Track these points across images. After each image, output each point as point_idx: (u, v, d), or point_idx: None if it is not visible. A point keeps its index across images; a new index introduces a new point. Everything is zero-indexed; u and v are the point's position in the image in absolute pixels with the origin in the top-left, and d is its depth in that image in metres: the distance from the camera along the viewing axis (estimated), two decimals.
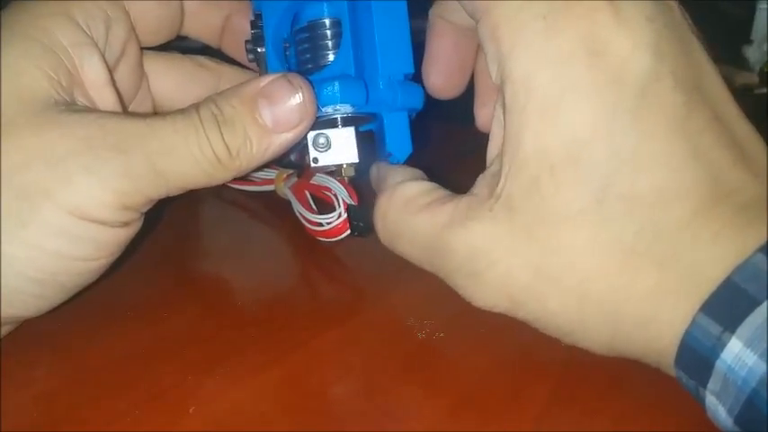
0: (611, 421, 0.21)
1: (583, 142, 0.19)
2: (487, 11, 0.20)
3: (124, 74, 0.26)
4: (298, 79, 0.23)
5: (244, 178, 0.36)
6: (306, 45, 0.26)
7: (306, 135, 0.24)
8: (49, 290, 0.21)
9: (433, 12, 0.26)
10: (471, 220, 0.21)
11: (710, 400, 0.18)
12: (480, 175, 0.22)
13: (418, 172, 0.25)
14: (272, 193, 0.35)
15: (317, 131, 0.25)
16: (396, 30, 0.25)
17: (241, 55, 0.28)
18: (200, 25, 0.28)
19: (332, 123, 0.25)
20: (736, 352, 0.17)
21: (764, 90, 0.52)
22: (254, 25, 0.27)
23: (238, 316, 0.26)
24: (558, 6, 0.19)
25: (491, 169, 0.22)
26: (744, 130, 0.20)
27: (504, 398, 0.22)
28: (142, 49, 0.27)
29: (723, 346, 0.17)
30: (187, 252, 0.33)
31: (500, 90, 0.20)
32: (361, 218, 0.29)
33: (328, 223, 0.29)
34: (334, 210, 0.29)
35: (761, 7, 0.52)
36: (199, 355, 0.23)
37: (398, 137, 0.26)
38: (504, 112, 0.20)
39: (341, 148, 0.25)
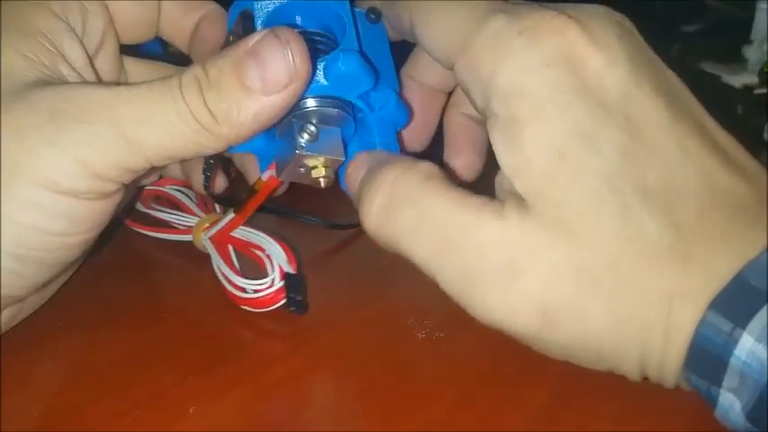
0: (611, 421, 0.21)
1: (588, 132, 0.18)
2: (465, 46, 0.20)
3: (103, 64, 0.26)
4: (286, 32, 0.21)
5: (159, 224, 0.31)
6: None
7: (291, 121, 0.23)
8: (29, 266, 0.21)
9: (404, 71, 0.27)
10: (492, 219, 0.19)
11: (726, 398, 0.18)
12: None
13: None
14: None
15: (306, 120, 0.23)
16: (380, 49, 0.25)
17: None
18: (173, 29, 0.28)
19: (324, 119, 0.24)
20: (748, 347, 0.17)
21: (764, 90, 0.52)
22: (246, 17, 0.26)
23: (238, 315, 0.26)
24: (531, 23, 0.19)
25: (503, 178, 0.21)
26: (725, 138, 0.20)
27: (504, 398, 0.22)
28: (122, 46, 0.27)
29: (735, 342, 0.17)
30: (186, 252, 0.33)
31: (485, 114, 0.20)
32: (299, 290, 0.25)
33: (255, 291, 0.25)
34: (262, 274, 0.25)
35: (761, 7, 0.52)
36: (199, 355, 0.23)
37: (387, 147, 0.25)
38: (497, 129, 0.20)
39: (329, 142, 0.23)
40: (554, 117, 0.19)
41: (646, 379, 0.19)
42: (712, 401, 0.18)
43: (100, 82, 0.25)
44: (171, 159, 0.21)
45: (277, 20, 0.25)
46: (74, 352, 0.23)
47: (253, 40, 0.21)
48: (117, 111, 0.20)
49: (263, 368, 0.23)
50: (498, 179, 0.20)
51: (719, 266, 0.18)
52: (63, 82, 0.22)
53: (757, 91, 0.52)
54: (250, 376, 0.22)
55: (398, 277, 0.29)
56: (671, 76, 0.20)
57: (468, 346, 0.24)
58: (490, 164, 0.23)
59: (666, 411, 0.21)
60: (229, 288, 0.26)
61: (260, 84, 0.20)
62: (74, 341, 0.24)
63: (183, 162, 0.29)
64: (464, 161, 0.27)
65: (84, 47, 0.24)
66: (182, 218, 0.30)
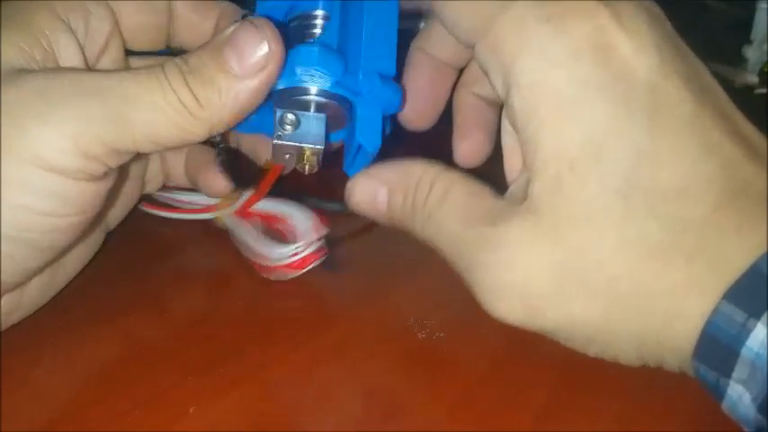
0: (611, 421, 0.21)
1: (602, 138, 0.19)
2: (488, 27, 0.20)
3: (106, 66, 0.26)
4: (259, 20, 0.22)
5: (172, 205, 0.31)
6: (295, 33, 0.26)
7: (272, 111, 0.24)
8: (21, 248, 0.21)
9: (415, 43, 0.26)
10: (501, 219, 0.20)
11: (734, 390, 0.18)
12: (516, 179, 0.22)
13: None
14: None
15: (287, 110, 0.24)
16: (384, 31, 0.25)
17: None
18: (192, 34, 0.28)
19: (305, 106, 0.24)
20: (761, 338, 0.17)
21: (764, 90, 0.52)
22: (246, 17, 0.26)
23: (238, 316, 0.26)
24: (560, 10, 0.19)
25: (525, 174, 0.21)
26: (748, 127, 0.20)
27: (504, 398, 0.22)
28: (131, 52, 0.27)
29: (748, 332, 0.17)
30: (186, 252, 0.33)
31: (506, 101, 0.20)
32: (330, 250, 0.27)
33: (293, 255, 0.26)
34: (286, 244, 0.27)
35: (761, 7, 0.52)
36: (199, 355, 0.23)
37: (369, 128, 0.25)
38: (515, 121, 0.20)
39: (309, 130, 0.24)
40: (571, 121, 0.19)
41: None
42: (719, 394, 0.19)
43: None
44: (156, 145, 0.22)
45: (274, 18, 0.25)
46: (74, 352, 0.23)
47: (230, 30, 0.22)
48: (105, 91, 0.20)
49: (263, 368, 0.23)
50: (510, 164, 0.22)
51: (733, 260, 0.18)
52: (50, 68, 0.22)
53: (757, 91, 0.52)
54: (250, 376, 0.22)
55: (398, 277, 0.29)
56: (697, 62, 0.20)
57: (468, 346, 0.24)
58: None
59: (667, 411, 0.21)
60: (257, 260, 0.27)
61: (238, 67, 0.21)
62: (74, 341, 0.24)
63: (188, 166, 0.29)
64: (473, 145, 0.27)
65: (81, 49, 0.24)
66: (202, 198, 0.30)
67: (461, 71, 0.27)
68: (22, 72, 0.21)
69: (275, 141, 0.24)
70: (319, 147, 0.24)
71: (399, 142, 0.27)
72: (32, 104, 0.20)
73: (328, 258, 0.27)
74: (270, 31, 0.21)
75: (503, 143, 0.23)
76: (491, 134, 0.27)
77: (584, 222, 0.19)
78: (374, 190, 0.24)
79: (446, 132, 0.27)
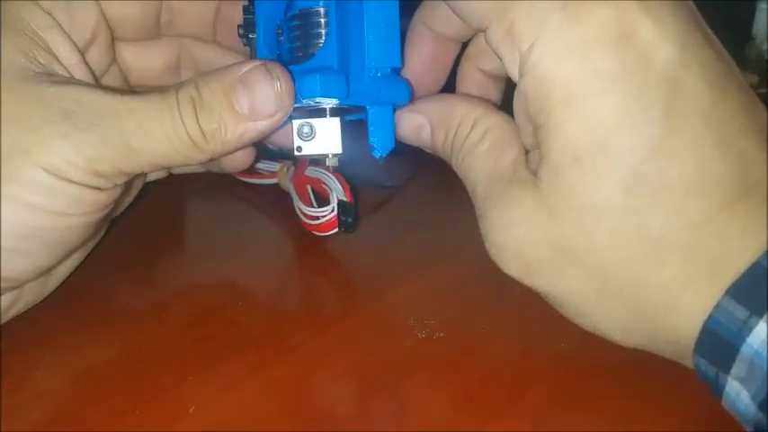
0: (611, 421, 0.21)
1: (610, 131, 0.19)
2: (501, 13, 0.20)
3: (95, 56, 0.27)
4: (277, 69, 0.23)
5: (250, 171, 0.36)
6: (297, 32, 0.26)
7: (290, 123, 0.24)
8: (32, 245, 0.22)
9: (418, 17, 0.26)
10: (512, 185, 0.21)
11: (732, 386, 0.18)
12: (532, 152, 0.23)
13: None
14: (278, 186, 0.36)
15: (303, 120, 0.25)
16: (386, 23, 0.25)
17: (236, 45, 0.28)
18: (191, 22, 0.29)
19: (319, 113, 0.25)
20: (763, 337, 0.17)
21: (765, 90, 0.52)
22: (246, 11, 0.27)
23: (238, 315, 0.26)
24: None
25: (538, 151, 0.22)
26: (766, 121, 0.20)
27: (504, 398, 0.22)
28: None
29: (749, 330, 0.17)
30: (188, 251, 0.33)
31: (518, 86, 0.20)
32: (351, 214, 0.29)
33: (322, 217, 0.30)
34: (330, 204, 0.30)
35: (761, 7, 0.52)
36: (199, 355, 0.23)
37: (381, 130, 0.26)
38: (528, 107, 0.20)
39: (325, 138, 0.25)
40: (579, 113, 0.19)
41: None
42: (719, 390, 0.19)
43: (97, 83, 0.26)
44: (158, 167, 0.23)
45: (275, 9, 0.26)
46: (74, 352, 0.23)
47: (244, 68, 0.23)
48: (124, 121, 0.22)
49: (263, 368, 0.23)
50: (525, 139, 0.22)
51: (734, 259, 0.18)
52: (66, 80, 0.23)
53: (758, 91, 0.52)
54: (250, 376, 0.22)
55: (398, 277, 0.29)
56: (720, 50, 0.20)
57: (469, 346, 0.24)
58: None
59: (667, 411, 0.21)
60: (303, 218, 0.31)
61: (248, 110, 0.23)
62: (74, 341, 0.24)
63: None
64: (420, 88, 0.27)
65: (75, 45, 0.24)
66: (268, 164, 0.37)
67: (465, 43, 0.27)
68: (38, 83, 0.22)
69: (296, 154, 0.25)
70: (338, 153, 0.25)
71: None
72: (58, 123, 0.21)
73: (346, 222, 0.29)
74: (285, 81, 0.23)
75: (516, 119, 0.23)
76: (438, 76, 0.27)
77: (584, 212, 0.19)
78: (419, 124, 0.25)
79: None
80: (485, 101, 0.25)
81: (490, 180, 0.22)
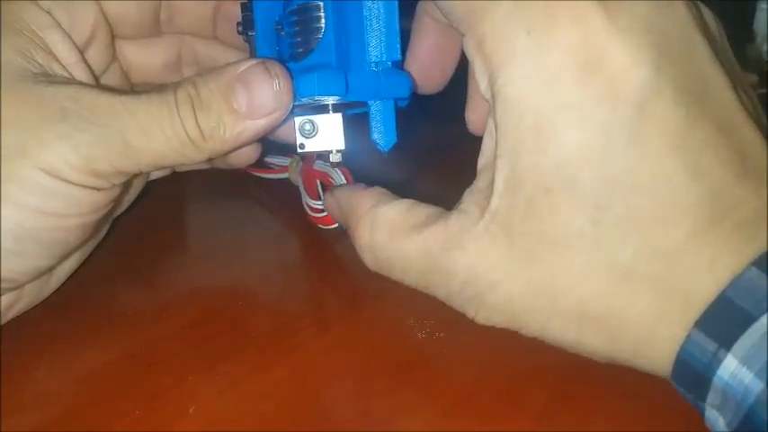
0: (610, 421, 0.21)
1: (577, 164, 0.18)
2: (473, 25, 0.19)
3: (95, 54, 0.27)
4: (276, 67, 0.23)
5: (261, 165, 0.37)
6: (296, 28, 0.26)
7: (292, 119, 0.24)
8: (29, 246, 0.22)
9: (421, 8, 0.26)
10: (468, 242, 0.21)
11: (711, 413, 0.18)
12: (467, 190, 0.22)
13: (381, 190, 0.24)
14: (285, 182, 0.36)
15: (305, 117, 0.25)
16: (385, 15, 0.25)
17: (237, 41, 0.28)
18: (191, 19, 0.29)
19: (321, 108, 0.25)
20: (732, 370, 0.17)
21: (765, 90, 0.52)
22: (244, 8, 0.27)
23: (238, 315, 0.26)
24: (543, 19, 0.18)
25: (478, 184, 0.21)
26: (750, 136, 0.19)
27: (504, 398, 0.22)
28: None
29: (719, 362, 0.17)
30: (189, 251, 0.33)
31: (491, 105, 0.20)
32: None
33: (325, 210, 0.30)
34: None
35: (761, 7, 0.52)
36: (199, 355, 0.23)
37: (383, 125, 0.26)
38: (495, 128, 0.20)
39: (327, 134, 0.25)
40: (549, 145, 0.18)
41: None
42: (700, 411, 0.19)
43: (97, 82, 0.26)
44: (157, 167, 0.23)
45: (274, 5, 0.26)
46: (74, 352, 0.23)
47: (243, 66, 0.23)
48: (122, 120, 0.21)
49: (263, 368, 0.23)
50: (484, 161, 0.22)
51: (704, 290, 0.18)
52: (64, 80, 0.23)
53: (758, 91, 0.52)
54: (250, 376, 0.22)
55: None
56: (703, 62, 0.19)
57: (469, 346, 0.24)
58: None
59: (667, 411, 0.21)
60: (308, 211, 0.31)
61: (246, 109, 0.23)
62: (74, 341, 0.24)
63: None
64: (484, 115, 0.26)
65: (75, 45, 0.24)
66: (280, 159, 0.37)
67: None
68: (36, 82, 0.22)
69: (299, 150, 0.25)
70: (341, 148, 0.25)
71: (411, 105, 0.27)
72: (57, 123, 0.21)
73: None
74: (283, 79, 0.23)
75: (483, 142, 0.22)
76: (447, 70, 0.27)
77: (557, 246, 0.19)
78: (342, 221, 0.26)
79: (456, 99, 0.27)
80: (378, 192, 0.24)
81: (430, 259, 0.22)
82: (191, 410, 0.21)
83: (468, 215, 0.21)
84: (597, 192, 0.18)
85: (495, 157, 0.20)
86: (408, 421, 0.21)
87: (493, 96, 0.20)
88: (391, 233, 0.22)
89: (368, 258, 0.24)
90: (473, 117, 0.26)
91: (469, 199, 0.21)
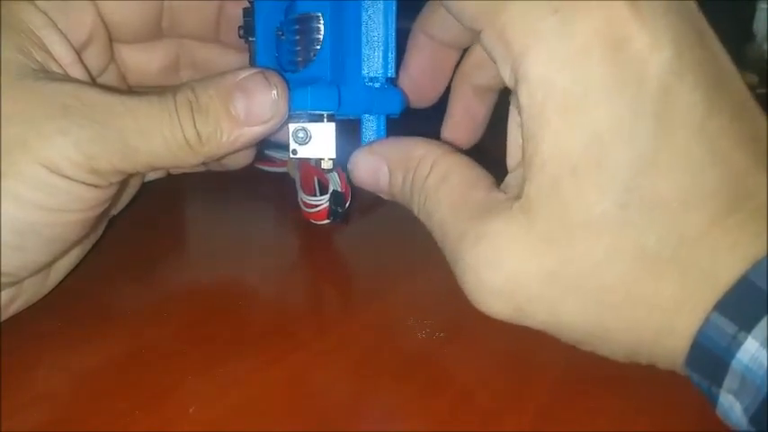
0: (610, 421, 0.21)
1: (606, 143, 0.18)
2: (493, 15, 0.19)
3: (92, 56, 0.27)
4: (274, 77, 0.23)
5: (266, 158, 0.38)
6: (296, 37, 0.26)
7: (287, 125, 0.25)
8: (28, 241, 0.22)
9: (417, 25, 0.26)
10: (490, 215, 0.20)
11: (726, 399, 0.18)
12: (514, 171, 0.22)
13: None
14: (283, 180, 0.37)
15: (298, 124, 0.25)
16: (382, 31, 0.25)
17: (239, 42, 0.28)
18: (193, 23, 0.29)
19: (316, 117, 0.25)
20: (752, 352, 0.17)
21: (765, 90, 0.52)
22: (246, 13, 0.27)
23: (239, 315, 0.26)
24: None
25: (522, 170, 0.21)
26: (762, 124, 0.19)
27: (504, 398, 0.22)
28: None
29: (739, 345, 0.17)
30: (188, 250, 0.33)
31: (514, 91, 0.20)
32: (341, 205, 0.30)
33: (318, 206, 0.31)
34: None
35: (761, 7, 0.52)
36: (199, 355, 0.23)
37: (375, 134, 0.26)
38: (520, 114, 0.20)
39: (320, 142, 0.25)
40: (575, 124, 0.18)
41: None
42: (713, 400, 0.19)
43: (93, 82, 0.26)
44: (152, 168, 0.23)
45: (275, 12, 0.26)
46: (74, 352, 0.23)
47: (242, 74, 0.23)
48: (122, 120, 0.22)
49: (263, 368, 0.23)
50: (513, 152, 0.22)
51: (725, 275, 0.18)
52: (64, 78, 0.23)
53: (757, 91, 0.52)
54: (250, 376, 0.22)
55: (398, 277, 0.29)
56: (717, 52, 0.19)
57: (469, 345, 0.24)
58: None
59: (667, 411, 0.21)
60: (302, 206, 0.32)
61: (244, 115, 0.23)
62: (74, 341, 0.24)
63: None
64: (457, 138, 0.27)
65: (71, 43, 0.24)
66: (280, 152, 0.38)
67: (465, 49, 0.27)
68: (36, 79, 0.22)
69: (291, 156, 0.25)
70: (332, 157, 0.25)
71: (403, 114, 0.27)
72: (58, 119, 0.21)
73: (336, 212, 0.30)
74: (281, 88, 0.23)
75: (508, 131, 0.22)
76: (479, 127, 0.27)
77: (580, 229, 0.19)
78: (376, 167, 0.24)
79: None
80: (444, 143, 0.24)
81: (461, 219, 0.21)
82: (191, 410, 0.21)
83: (505, 194, 0.21)
84: (626, 172, 0.18)
85: (523, 142, 0.20)
86: (408, 421, 0.21)
87: (517, 81, 0.19)
88: (459, 169, 0.22)
89: (431, 175, 0.22)
90: (447, 136, 0.27)
91: (512, 180, 0.22)
